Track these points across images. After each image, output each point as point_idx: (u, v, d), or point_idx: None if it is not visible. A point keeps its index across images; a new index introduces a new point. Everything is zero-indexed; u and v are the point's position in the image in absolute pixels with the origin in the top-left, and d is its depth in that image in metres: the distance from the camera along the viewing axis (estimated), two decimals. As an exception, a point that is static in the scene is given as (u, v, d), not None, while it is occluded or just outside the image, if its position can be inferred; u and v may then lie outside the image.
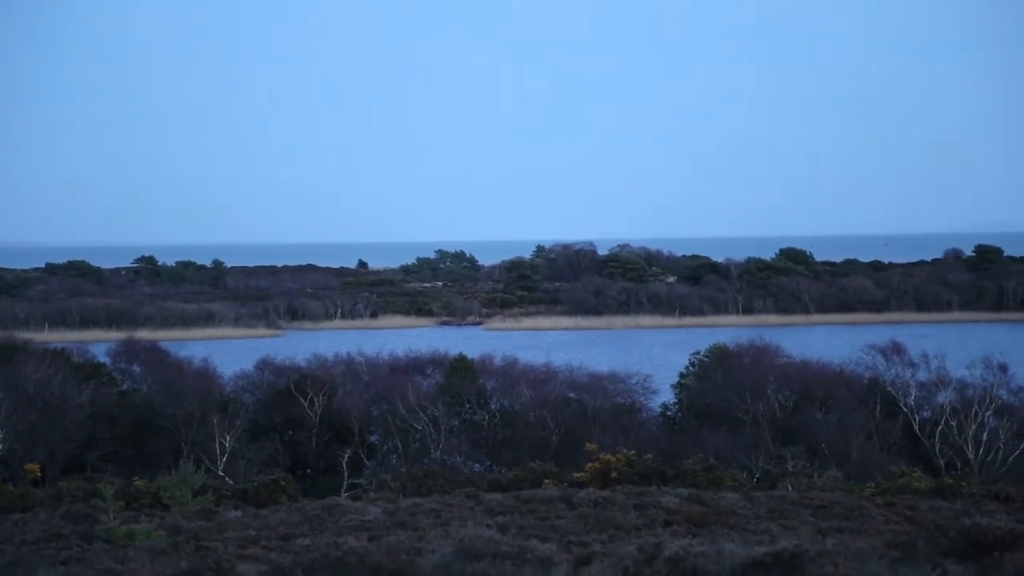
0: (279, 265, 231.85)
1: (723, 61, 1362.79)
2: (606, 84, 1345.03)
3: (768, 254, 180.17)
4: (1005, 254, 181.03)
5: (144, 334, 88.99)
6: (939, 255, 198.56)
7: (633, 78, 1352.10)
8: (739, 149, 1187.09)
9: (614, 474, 40.77)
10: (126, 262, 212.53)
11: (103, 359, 59.54)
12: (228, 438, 50.58)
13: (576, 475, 41.47)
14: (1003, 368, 52.92)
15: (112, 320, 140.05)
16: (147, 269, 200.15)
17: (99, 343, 78.27)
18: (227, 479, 47.51)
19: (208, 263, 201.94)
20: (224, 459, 50.06)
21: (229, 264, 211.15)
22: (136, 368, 58.83)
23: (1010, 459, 49.94)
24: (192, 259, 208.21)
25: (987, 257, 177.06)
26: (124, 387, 57.04)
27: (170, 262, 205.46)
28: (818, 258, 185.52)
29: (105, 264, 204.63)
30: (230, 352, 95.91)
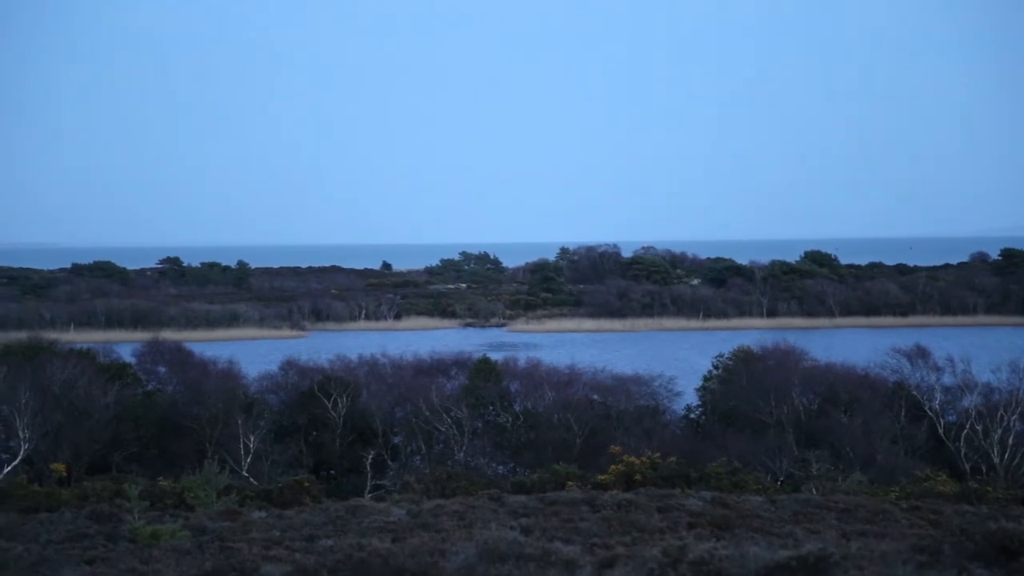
0: (303, 266, 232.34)
1: (748, 60, 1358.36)
2: (632, 85, 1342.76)
3: (793, 257, 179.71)
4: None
5: (169, 335, 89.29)
6: (965, 258, 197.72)
7: (661, 78, 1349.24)
8: (762, 151, 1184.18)
9: (638, 477, 40.71)
10: (151, 263, 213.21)
11: (128, 360, 59.78)
12: (252, 439, 50.66)
13: (600, 477, 41.43)
14: (1029, 372, 52.66)
15: (137, 321, 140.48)
16: (172, 270, 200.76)
17: (124, 344, 78.56)
18: (251, 480, 47.61)
19: (233, 264, 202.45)
20: (248, 460, 50.15)
21: (254, 265, 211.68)
22: (161, 369, 59.04)
23: (1036, 463, 49.71)
24: (217, 260, 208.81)
25: (1013, 260, 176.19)
26: (149, 387, 57.22)
27: (195, 263, 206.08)
28: (843, 261, 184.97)
29: (130, 265, 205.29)
30: (254, 353, 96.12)
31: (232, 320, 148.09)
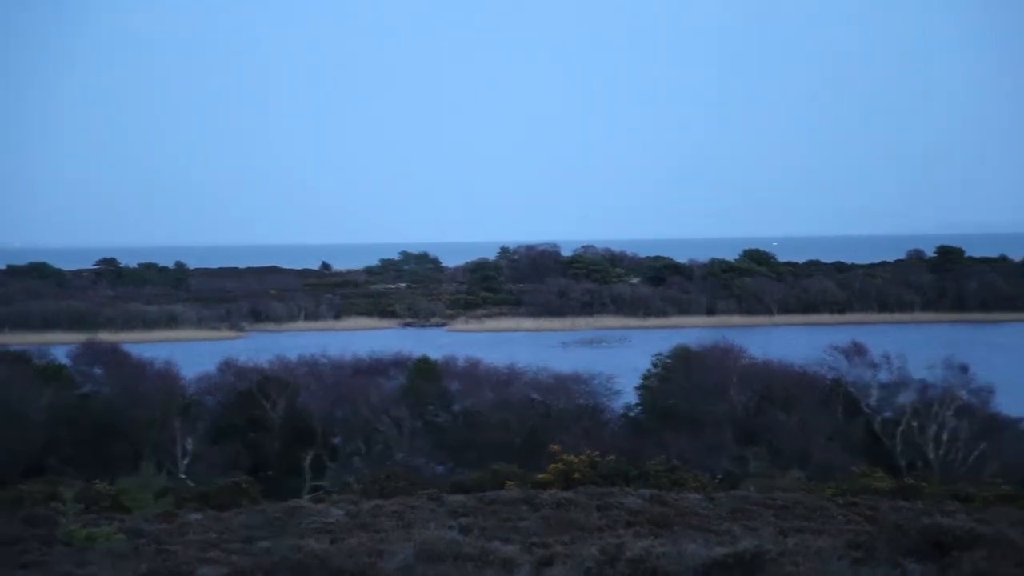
0: (242, 267, 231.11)
1: (687, 61, 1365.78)
2: (569, 85, 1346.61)
3: (731, 255, 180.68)
4: (966, 255, 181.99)
5: (106, 336, 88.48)
6: (901, 256, 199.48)
7: (597, 79, 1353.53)
8: (703, 150, 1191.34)
9: (577, 475, 40.76)
10: (87, 265, 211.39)
11: (64, 361, 59.18)
12: (190, 440, 50.37)
13: (539, 476, 41.44)
14: (964, 369, 53.27)
15: (74, 322, 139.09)
16: (109, 271, 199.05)
17: (60, 345, 77.76)
18: (188, 481, 47.33)
19: (171, 265, 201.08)
20: (186, 461, 49.84)
21: (192, 266, 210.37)
22: (97, 370, 58.48)
23: (970, 459, 50.24)
24: (154, 261, 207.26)
25: (948, 258, 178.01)
26: (85, 389, 56.70)
27: (132, 264, 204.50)
28: (781, 259, 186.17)
29: (66, 267, 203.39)
30: (192, 354, 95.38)
31: (170, 321, 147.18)
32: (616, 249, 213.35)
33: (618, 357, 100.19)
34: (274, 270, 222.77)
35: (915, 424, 51.40)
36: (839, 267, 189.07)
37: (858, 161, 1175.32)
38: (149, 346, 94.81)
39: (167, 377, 56.88)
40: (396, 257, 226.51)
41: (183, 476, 48.57)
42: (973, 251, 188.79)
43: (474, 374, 56.61)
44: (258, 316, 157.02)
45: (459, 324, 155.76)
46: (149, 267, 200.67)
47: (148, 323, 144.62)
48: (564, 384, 55.78)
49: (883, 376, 54.25)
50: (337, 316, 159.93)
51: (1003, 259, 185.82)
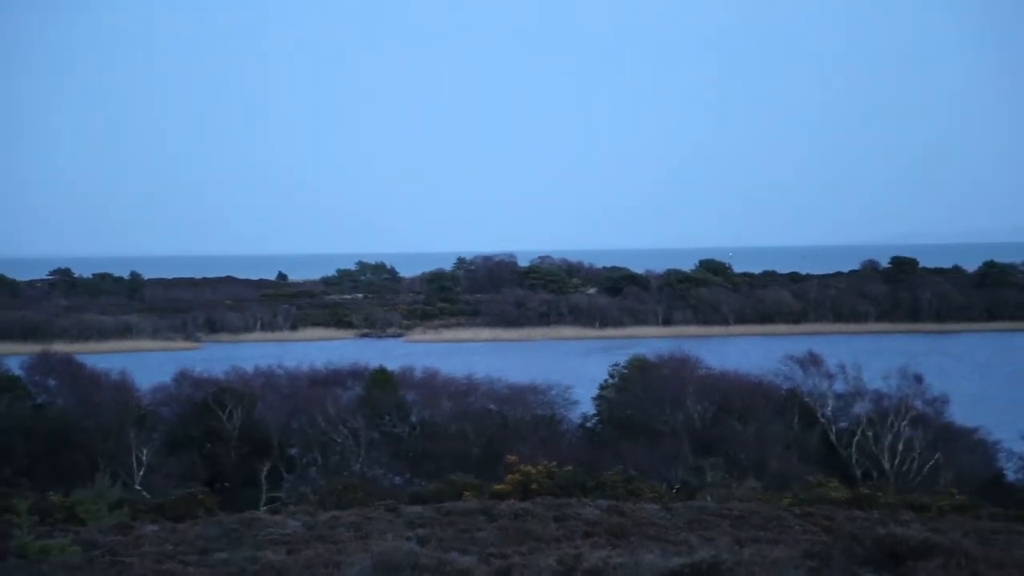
0: (198, 277, 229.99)
1: (640, 69, 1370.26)
2: (528, 95, 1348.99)
3: (688, 266, 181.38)
4: (920, 265, 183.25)
5: (60, 347, 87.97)
6: (856, 266, 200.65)
7: (557, 88, 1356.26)
8: (656, 160, 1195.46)
9: (534, 486, 40.79)
10: (41, 274, 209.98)
11: (17, 372, 58.74)
12: (145, 451, 50.08)
13: (496, 487, 41.44)
14: (918, 379, 53.60)
15: (27, 333, 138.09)
16: (63, 281, 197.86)
17: (14, 356, 77.15)
18: (144, 493, 47.04)
19: (126, 275, 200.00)
20: (141, 473, 49.55)
21: (147, 276, 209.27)
22: (51, 381, 58.06)
23: (925, 468, 50.55)
24: (109, 271, 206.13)
25: (903, 268, 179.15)
26: (39, 400, 56.28)
27: (87, 274, 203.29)
28: (737, 270, 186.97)
29: (20, 276, 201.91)
30: (148, 365, 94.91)
31: (125, 332, 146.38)
32: (573, 260, 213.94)
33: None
34: (230, 280, 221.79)
35: (870, 434, 51.68)
36: (794, 277, 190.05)
37: (810, 173, 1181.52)
38: (104, 357, 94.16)
39: (122, 388, 56.55)
40: (353, 268, 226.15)
41: (138, 487, 48.27)
42: (924, 261, 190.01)
43: (431, 385, 56.55)
44: (214, 327, 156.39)
45: (416, 334, 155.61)
46: (104, 277, 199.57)
47: (103, 334, 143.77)
48: (521, 394, 55.81)
49: (839, 386, 54.53)
50: (293, 327, 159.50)
51: (956, 269, 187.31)
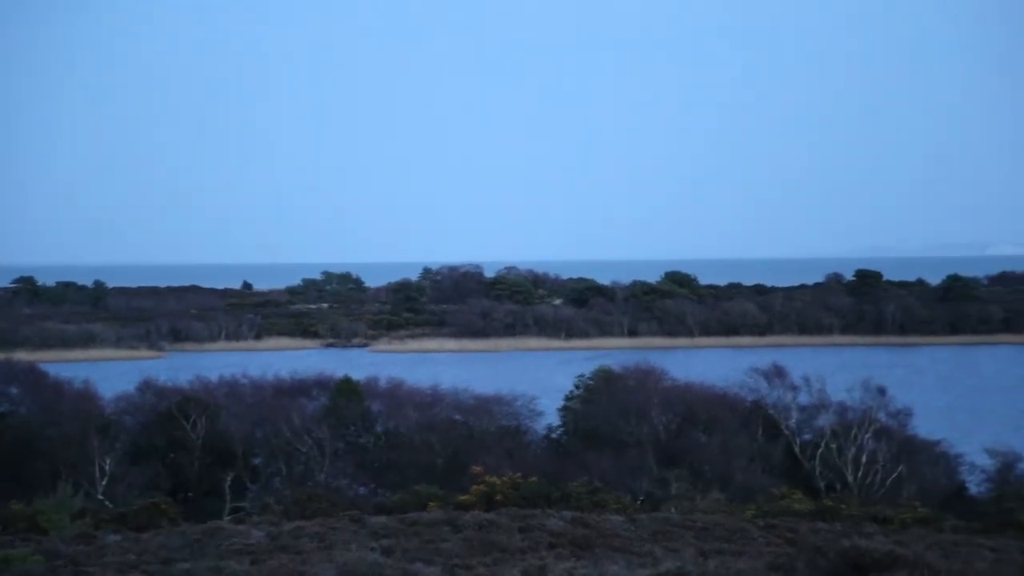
0: (162, 286, 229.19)
1: (607, 74, 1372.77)
2: (494, 106, 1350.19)
3: (654, 277, 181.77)
4: (884, 279, 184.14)
5: (22, 355, 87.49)
6: (820, 279, 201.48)
7: (527, 100, 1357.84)
8: (622, 170, 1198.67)
9: (499, 497, 40.80)
10: (4, 283, 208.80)
11: (-21, 381, 58.29)
12: (108, 461, 49.79)
13: (461, 498, 41.43)
14: (882, 391, 53.81)
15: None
16: (26, 289, 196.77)
17: (-24, 364, 76.58)
18: (107, 503, 46.78)
19: (89, 284, 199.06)
20: (104, 482, 49.25)
21: (111, 285, 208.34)
22: (13, 390, 57.65)
23: (888, 481, 50.75)
24: (73, 279, 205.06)
25: (867, 281, 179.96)
26: (1, 409, 55.92)
27: (50, 282, 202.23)
28: (703, 282, 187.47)
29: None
30: (111, 374, 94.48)
31: (88, 340, 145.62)
32: (539, 271, 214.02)
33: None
34: (195, 289, 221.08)
35: (834, 446, 51.86)
36: (759, 289, 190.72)
37: (776, 186, 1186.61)
38: (67, 365, 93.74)
39: (85, 397, 56.23)
40: (318, 277, 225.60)
41: (101, 497, 47.99)
42: (887, 274, 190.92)
43: (396, 395, 56.43)
44: (178, 336, 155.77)
45: (382, 344, 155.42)
46: (67, 286, 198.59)
47: (66, 342, 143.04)
48: (486, 405, 55.75)
49: (803, 398, 54.69)
50: (258, 336, 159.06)
51: (920, 283, 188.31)
